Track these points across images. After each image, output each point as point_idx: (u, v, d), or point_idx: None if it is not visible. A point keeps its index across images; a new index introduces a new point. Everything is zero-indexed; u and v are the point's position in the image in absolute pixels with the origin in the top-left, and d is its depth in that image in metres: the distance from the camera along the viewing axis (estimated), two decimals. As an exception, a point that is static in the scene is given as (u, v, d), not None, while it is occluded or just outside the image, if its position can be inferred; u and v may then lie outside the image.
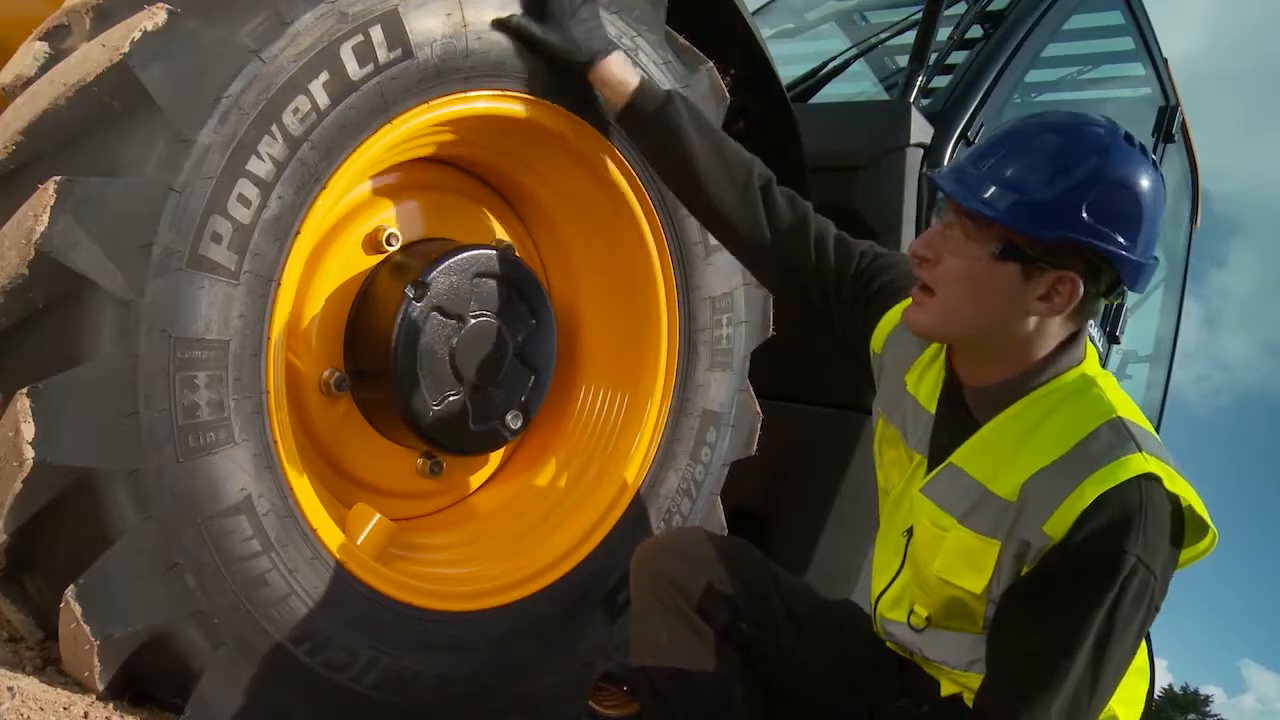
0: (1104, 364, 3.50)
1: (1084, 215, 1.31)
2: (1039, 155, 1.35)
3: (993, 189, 1.34)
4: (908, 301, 1.51)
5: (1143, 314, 4.12)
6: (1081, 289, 1.35)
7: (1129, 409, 1.40)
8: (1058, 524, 1.32)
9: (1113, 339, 3.52)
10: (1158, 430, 4.25)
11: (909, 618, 1.55)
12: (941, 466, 1.47)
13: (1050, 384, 1.41)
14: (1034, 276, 1.35)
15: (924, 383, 1.56)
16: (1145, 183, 1.34)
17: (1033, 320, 1.38)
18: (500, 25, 1.66)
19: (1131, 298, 3.67)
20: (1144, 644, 1.48)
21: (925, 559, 1.49)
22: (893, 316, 1.62)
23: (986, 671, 1.41)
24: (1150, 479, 1.30)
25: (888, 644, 1.62)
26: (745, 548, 1.75)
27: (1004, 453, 1.41)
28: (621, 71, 1.75)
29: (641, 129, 1.78)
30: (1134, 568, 1.28)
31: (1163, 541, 1.32)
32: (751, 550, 1.76)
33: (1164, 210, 1.38)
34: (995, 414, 1.43)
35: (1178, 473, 1.35)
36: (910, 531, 1.54)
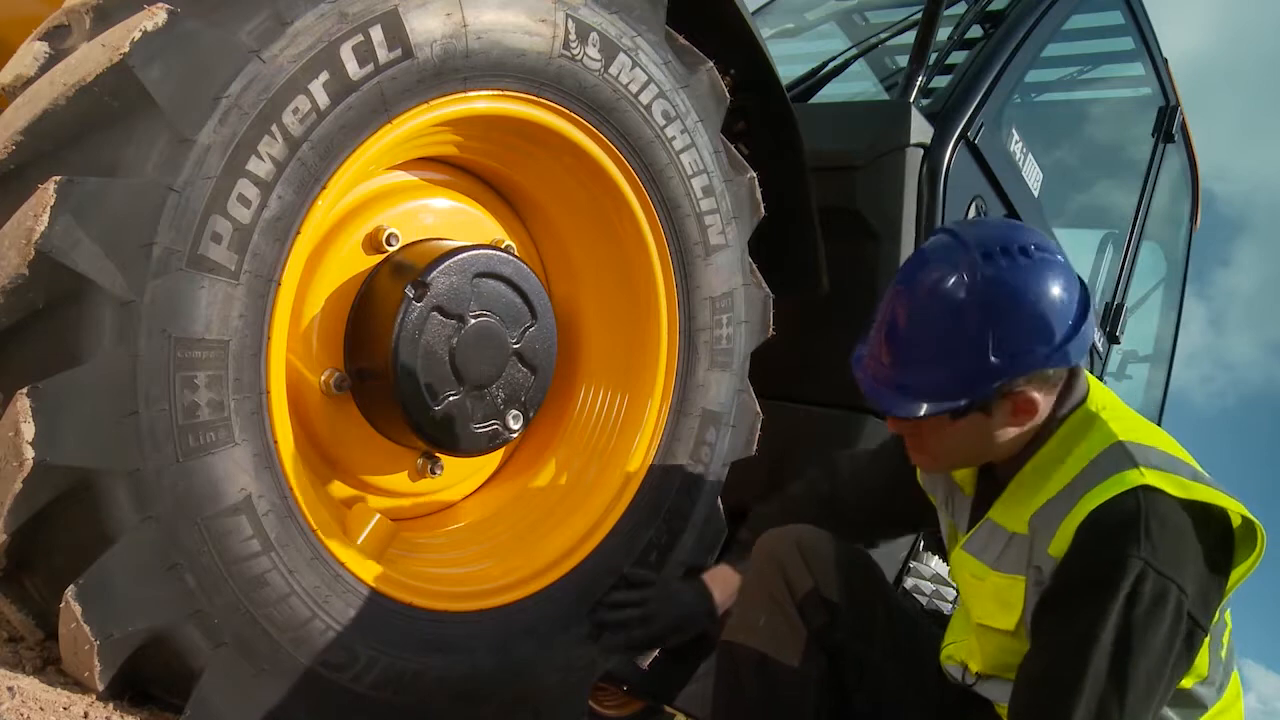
0: (1105, 365, 3.51)
1: (993, 363, 1.37)
2: (918, 348, 1.42)
3: (908, 392, 1.43)
4: None
5: (1143, 314, 4.12)
6: (1039, 396, 1.41)
7: (1134, 430, 1.44)
8: (1059, 543, 1.36)
9: (1113, 339, 3.52)
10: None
11: (963, 674, 1.63)
12: (979, 524, 1.55)
13: (1059, 430, 1.47)
14: (994, 411, 1.43)
15: (964, 470, 1.64)
16: (1027, 292, 1.37)
17: (1028, 424, 1.45)
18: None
19: (1132, 297, 3.68)
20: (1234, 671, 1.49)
21: (970, 613, 1.57)
22: None
23: (1012, 692, 1.43)
24: (1148, 490, 1.32)
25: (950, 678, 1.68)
26: (867, 564, 1.79)
27: (1027, 499, 1.47)
28: (728, 576, 1.90)
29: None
30: (1142, 572, 1.28)
31: (1182, 550, 1.31)
32: (872, 568, 1.80)
33: (1060, 281, 1.39)
34: (1018, 470, 1.50)
35: (1196, 480, 1.35)
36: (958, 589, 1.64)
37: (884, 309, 1.47)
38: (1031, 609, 1.42)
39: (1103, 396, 1.51)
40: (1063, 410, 1.47)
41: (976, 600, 1.55)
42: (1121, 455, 1.38)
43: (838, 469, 1.96)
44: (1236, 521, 1.35)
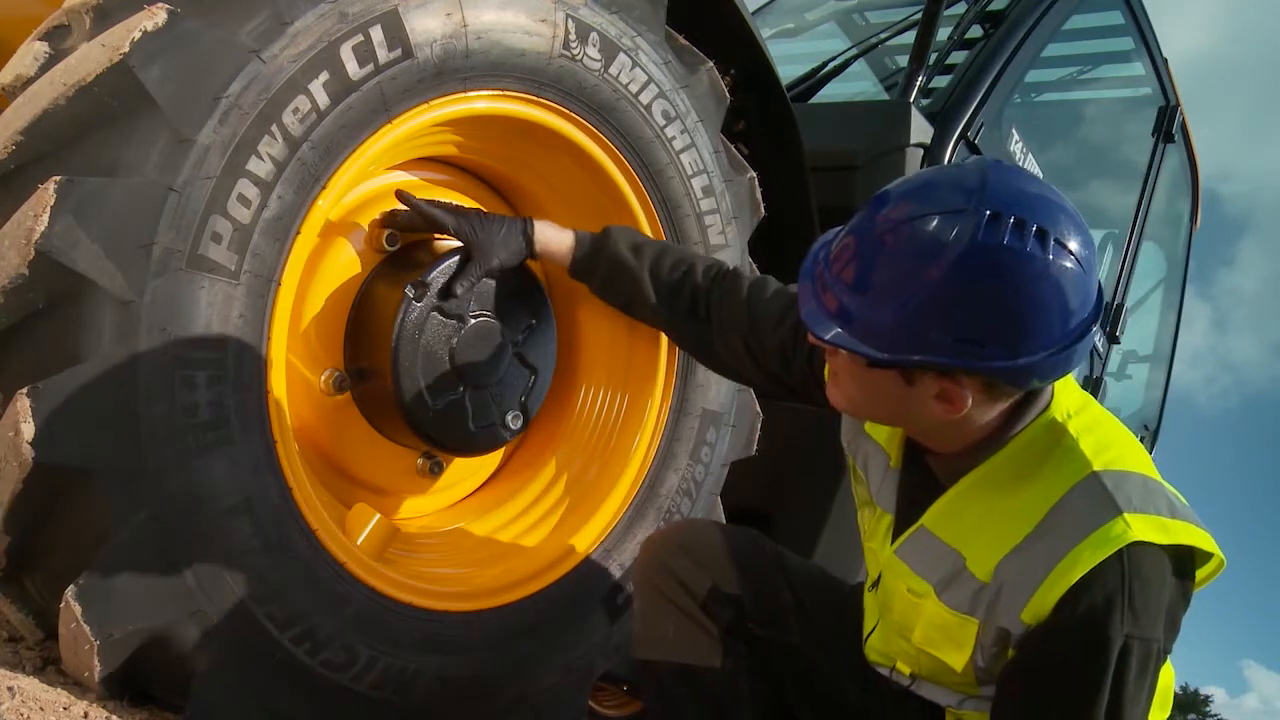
0: (1105, 365, 3.51)
1: (933, 336, 1.15)
2: (873, 269, 1.19)
3: (835, 310, 1.21)
4: None
5: (1143, 314, 4.13)
6: (970, 399, 1.21)
7: (1106, 448, 1.29)
8: (1035, 611, 1.25)
9: (1112, 339, 3.52)
10: (1157, 434, 4.27)
11: (892, 672, 1.54)
12: (913, 529, 1.42)
13: (1014, 440, 1.30)
14: (916, 382, 1.22)
15: (882, 428, 1.50)
16: (1014, 281, 1.12)
17: (949, 416, 1.24)
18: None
19: (1132, 297, 3.68)
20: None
21: (904, 624, 1.45)
22: None
23: None
24: (1133, 548, 1.20)
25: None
26: (755, 540, 1.72)
27: (974, 519, 1.34)
28: (557, 231, 1.78)
29: (596, 272, 1.78)
30: (1126, 645, 1.21)
31: (1159, 601, 1.23)
32: (762, 543, 1.72)
33: (1066, 291, 1.14)
34: (959, 478, 1.35)
35: (1169, 514, 1.24)
36: (878, 583, 1.52)
37: (869, 209, 1.23)
38: (988, 656, 1.32)
39: (1070, 399, 1.33)
40: (1017, 425, 1.30)
41: (915, 619, 1.41)
42: (1100, 496, 1.23)
43: (739, 286, 1.72)
44: (1207, 551, 1.27)
